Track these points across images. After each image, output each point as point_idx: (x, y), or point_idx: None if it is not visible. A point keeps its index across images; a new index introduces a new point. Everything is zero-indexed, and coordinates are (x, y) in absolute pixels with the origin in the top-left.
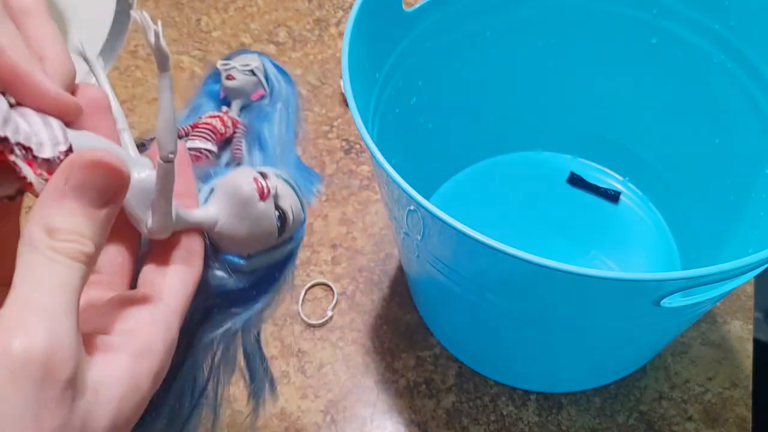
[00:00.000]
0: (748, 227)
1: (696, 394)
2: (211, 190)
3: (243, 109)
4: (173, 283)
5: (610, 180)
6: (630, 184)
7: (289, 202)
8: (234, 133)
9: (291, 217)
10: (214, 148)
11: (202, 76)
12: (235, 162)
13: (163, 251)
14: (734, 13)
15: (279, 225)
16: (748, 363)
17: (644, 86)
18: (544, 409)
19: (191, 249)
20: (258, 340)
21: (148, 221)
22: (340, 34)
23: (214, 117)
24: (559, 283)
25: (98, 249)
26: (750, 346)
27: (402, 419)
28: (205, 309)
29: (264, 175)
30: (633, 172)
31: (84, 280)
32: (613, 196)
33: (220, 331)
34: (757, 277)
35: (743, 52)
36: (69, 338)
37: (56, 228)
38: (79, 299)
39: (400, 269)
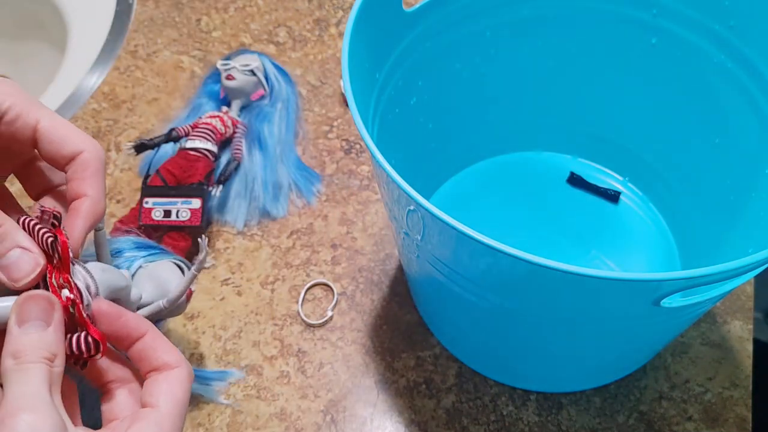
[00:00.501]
0: (748, 227)
1: (696, 394)
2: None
3: (243, 109)
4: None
5: (610, 180)
6: (630, 184)
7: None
8: (234, 133)
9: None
10: (214, 148)
11: (202, 76)
12: (235, 162)
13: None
14: (734, 13)
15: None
16: (748, 363)
17: (644, 86)
18: (544, 409)
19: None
20: None
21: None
22: (340, 34)
23: (214, 117)
24: (559, 283)
25: (58, 355)
26: (750, 346)
27: (402, 419)
28: None
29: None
30: (633, 172)
31: (48, 374)
32: (613, 196)
33: None
34: (757, 277)
35: (743, 52)
36: (48, 415)
37: (18, 350)
38: (50, 388)
39: (400, 269)
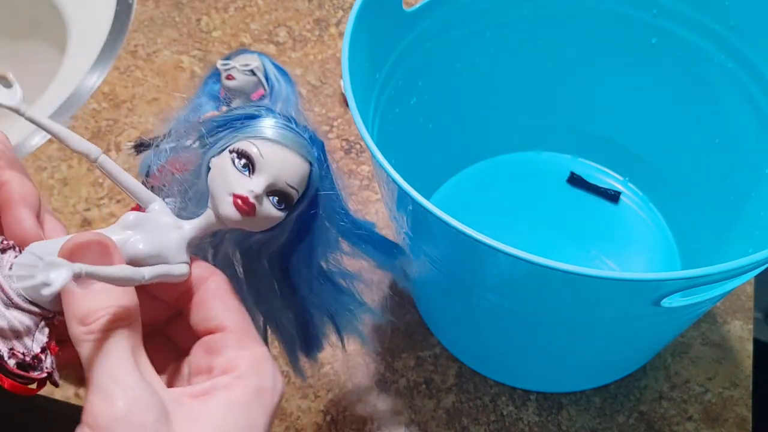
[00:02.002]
0: (748, 227)
1: (696, 394)
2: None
3: None
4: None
5: (610, 180)
6: (630, 184)
7: (284, 179)
8: None
9: (293, 192)
10: None
11: (202, 76)
12: None
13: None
14: (734, 13)
15: (282, 206)
16: (748, 363)
17: (644, 86)
18: (544, 409)
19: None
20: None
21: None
22: (340, 34)
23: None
24: (559, 283)
25: (129, 305)
26: (750, 346)
27: (402, 419)
28: (279, 261)
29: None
30: (633, 172)
31: (130, 337)
32: (613, 196)
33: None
34: (757, 277)
35: (743, 52)
36: (139, 392)
37: (83, 314)
38: (134, 354)
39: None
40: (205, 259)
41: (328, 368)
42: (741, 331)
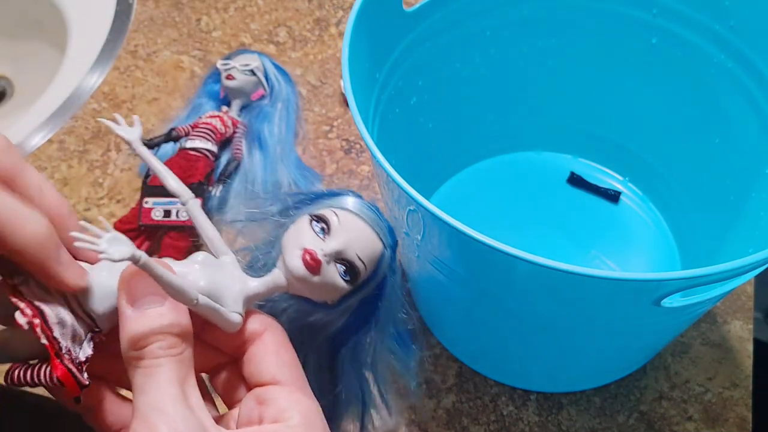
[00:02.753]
0: (748, 227)
1: (696, 394)
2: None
3: (243, 108)
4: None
5: (610, 180)
6: (630, 184)
7: (355, 249)
8: (234, 132)
9: (361, 266)
10: (214, 148)
11: (202, 76)
12: (235, 162)
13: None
14: (734, 13)
15: (348, 278)
16: (748, 363)
17: (644, 86)
18: (544, 409)
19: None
20: (361, 365)
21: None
22: (340, 34)
23: (214, 117)
24: (559, 283)
25: (182, 333)
26: (750, 346)
27: (402, 419)
28: (329, 347)
29: (323, 229)
30: (633, 172)
31: (181, 367)
32: (613, 196)
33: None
34: (757, 277)
35: (743, 52)
36: (184, 425)
37: (136, 337)
38: (183, 384)
39: (400, 269)
40: None
41: None
42: (741, 331)
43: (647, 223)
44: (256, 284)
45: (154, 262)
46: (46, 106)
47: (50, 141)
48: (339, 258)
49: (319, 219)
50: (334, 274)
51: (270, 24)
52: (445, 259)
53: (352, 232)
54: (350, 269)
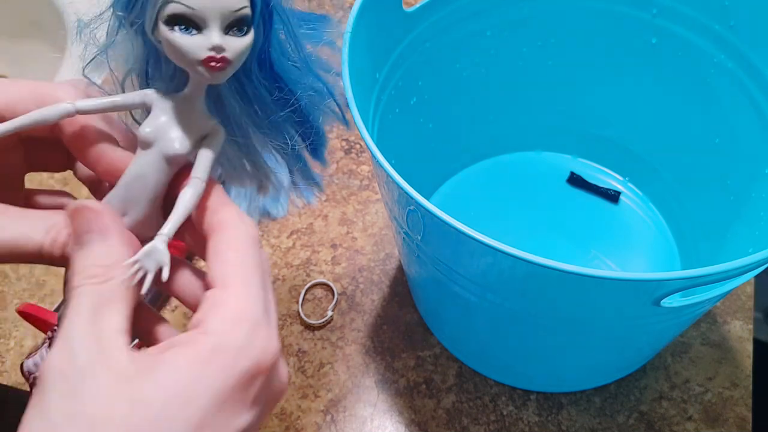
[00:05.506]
0: (748, 227)
1: (696, 394)
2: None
3: None
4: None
5: (610, 180)
6: (630, 184)
7: (227, 7)
8: None
9: (245, 10)
10: None
11: None
12: None
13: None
14: (734, 13)
15: (245, 30)
16: (748, 363)
17: (644, 86)
18: (544, 409)
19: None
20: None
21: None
22: (340, 35)
23: None
24: (559, 283)
25: (107, 264)
26: (750, 346)
27: (402, 419)
28: (262, 66)
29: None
30: (633, 172)
31: (95, 292)
32: (613, 196)
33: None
34: (757, 277)
35: (743, 52)
36: (75, 343)
37: (69, 276)
38: (95, 310)
39: (400, 269)
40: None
41: (328, 368)
42: (741, 331)
43: (647, 223)
44: (187, 92)
45: (172, 223)
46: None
47: None
48: (226, 29)
49: (175, 20)
50: (237, 42)
51: None
52: (445, 259)
53: (210, 3)
54: (240, 23)
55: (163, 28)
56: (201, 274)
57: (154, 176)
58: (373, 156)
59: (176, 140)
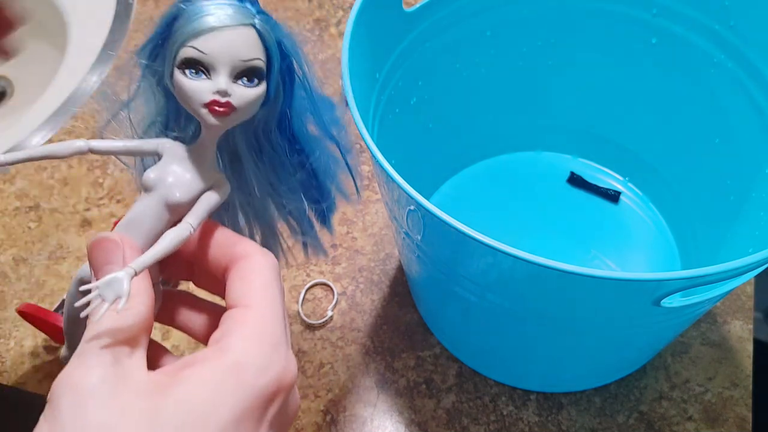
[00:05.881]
0: (748, 227)
1: (696, 394)
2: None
3: None
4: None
5: (610, 180)
6: (630, 184)
7: (239, 57)
8: None
9: (255, 62)
10: None
11: None
12: None
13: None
14: (734, 13)
15: (255, 81)
16: (748, 363)
17: (644, 86)
18: (544, 409)
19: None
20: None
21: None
22: (340, 34)
23: None
24: (559, 283)
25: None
26: (750, 346)
27: (402, 419)
28: (280, 132)
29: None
30: (633, 172)
31: (114, 319)
32: (613, 196)
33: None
34: (757, 277)
35: (743, 52)
36: (91, 360)
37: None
38: (114, 334)
39: (400, 269)
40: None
41: (328, 368)
42: (741, 331)
43: (647, 223)
44: (198, 145)
45: (140, 260)
46: (46, 106)
47: (50, 141)
48: (235, 77)
49: (186, 65)
50: (243, 91)
51: None
52: (445, 259)
53: (222, 50)
54: (251, 74)
55: (176, 72)
56: (203, 305)
57: (152, 221)
58: (373, 156)
59: (179, 188)
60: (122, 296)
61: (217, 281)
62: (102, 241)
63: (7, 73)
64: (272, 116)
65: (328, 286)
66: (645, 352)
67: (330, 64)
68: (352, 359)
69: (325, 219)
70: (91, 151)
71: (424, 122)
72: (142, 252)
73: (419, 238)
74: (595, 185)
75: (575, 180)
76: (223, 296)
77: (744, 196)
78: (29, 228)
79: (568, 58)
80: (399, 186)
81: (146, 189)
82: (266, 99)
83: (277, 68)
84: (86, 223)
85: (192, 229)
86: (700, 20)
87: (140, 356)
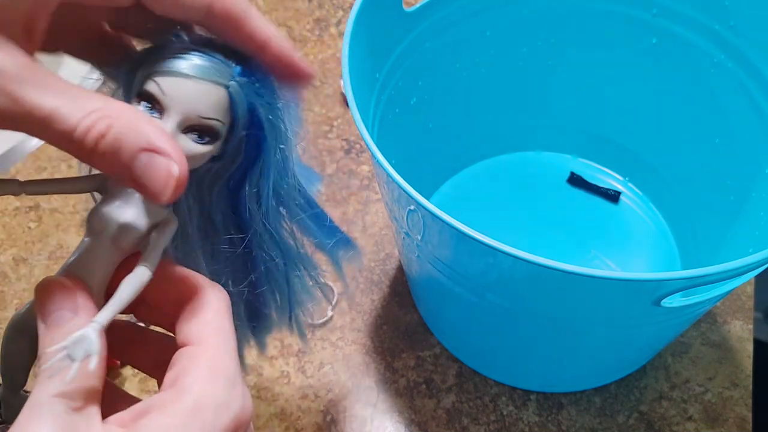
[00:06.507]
0: (748, 227)
1: (696, 394)
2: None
3: None
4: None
5: (610, 180)
6: (630, 184)
7: (197, 113)
8: None
9: (213, 123)
10: None
11: None
12: None
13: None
14: (734, 13)
15: (207, 139)
16: (748, 363)
17: (644, 86)
18: (544, 409)
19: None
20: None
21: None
22: (340, 34)
23: None
24: (559, 283)
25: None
26: (750, 346)
27: (402, 419)
28: (231, 197)
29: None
30: (633, 172)
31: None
32: (613, 196)
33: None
34: (757, 277)
35: (743, 52)
36: (38, 411)
37: (41, 355)
38: (65, 389)
39: (400, 269)
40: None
41: (328, 368)
42: (741, 331)
43: (647, 223)
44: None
45: (104, 313)
46: None
47: None
48: (186, 128)
49: (143, 97)
50: (188, 145)
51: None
52: (445, 259)
53: (183, 98)
54: (205, 132)
55: (133, 99)
56: (149, 336)
57: (101, 263)
58: (373, 156)
59: (127, 229)
60: (93, 354)
61: (162, 315)
62: (52, 284)
63: None
64: (222, 173)
65: (328, 286)
66: (645, 352)
67: (330, 64)
68: (352, 359)
69: (255, 333)
70: (26, 192)
71: (424, 122)
72: (91, 294)
73: (419, 238)
74: (595, 185)
75: (575, 180)
76: (167, 328)
77: (744, 196)
78: (29, 228)
79: (569, 58)
80: (399, 186)
81: (92, 229)
82: (218, 157)
83: (241, 135)
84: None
85: (151, 274)
86: (700, 20)
87: (95, 408)
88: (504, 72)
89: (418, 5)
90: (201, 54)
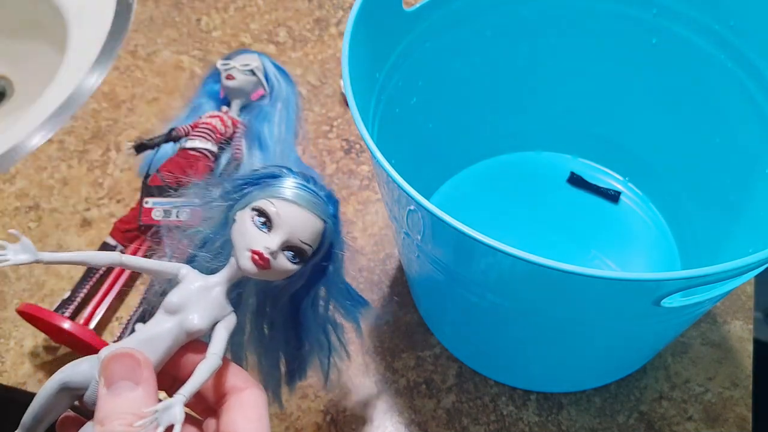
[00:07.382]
0: (748, 227)
1: (696, 394)
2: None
3: (243, 108)
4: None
5: (610, 180)
6: (630, 184)
7: (298, 236)
8: (234, 132)
9: (306, 248)
10: (214, 148)
11: (202, 76)
12: (235, 161)
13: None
14: (734, 13)
15: (297, 261)
16: (748, 363)
17: (644, 86)
18: (544, 409)
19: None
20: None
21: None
22: (340, 34)
23: (214, 117)
24: (559, 283)
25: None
26: (750, 346)
27: (402, 419)
28: (291, 304)
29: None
30: (633, 172)
31: None
32: (613, 196)
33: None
34: (757, 277)
35: (743, 52)
36: None
37: (103, 416)
38: None
39: (400, 269)
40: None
41: None
42: (741, 331)
43: (647, 223)
44: (218, 280)
45: (190, 386)
46: (46, 106)
47: (50, 141)
48: (285, 247)
49: (260, 213)
50: (283, 261)
51: (270, 24)
52: (445, 259)
53: (292, 222)
54: (298, 253)
55: (248, 212)
56: (194, 420)
57: (167, 342)
58: (373, 156)
59: (197, 317)
60: (176, 423)
61: (201, 398)
62: (124, 356)
63: (7, 73)
64: (287, 290)
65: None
66: (645, 352)
67: (330, 64)
68: (352, 359)
69: (291, 379)
70: (123, 266)
71: (424, 122)
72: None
73: (419, 238)
74: (595, 185)
75: (575, 180)
76: (198, 411)
77: (744, 196)
78: (29, 228)
79: (568, 58)
80: (399, 186)
81: (168, 311)
82: (292, 276)
83: (316, 260)
84: (86, 223)
85: (220, 361)
86: (700, 20)
87: None
88: (504, 72)
89: (418, 5)
90: (311, 191)
